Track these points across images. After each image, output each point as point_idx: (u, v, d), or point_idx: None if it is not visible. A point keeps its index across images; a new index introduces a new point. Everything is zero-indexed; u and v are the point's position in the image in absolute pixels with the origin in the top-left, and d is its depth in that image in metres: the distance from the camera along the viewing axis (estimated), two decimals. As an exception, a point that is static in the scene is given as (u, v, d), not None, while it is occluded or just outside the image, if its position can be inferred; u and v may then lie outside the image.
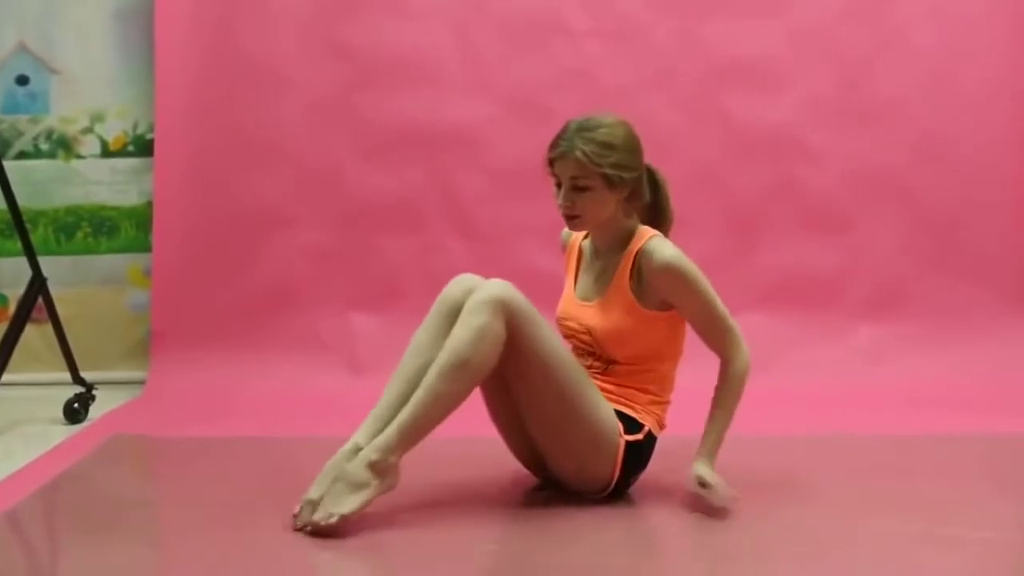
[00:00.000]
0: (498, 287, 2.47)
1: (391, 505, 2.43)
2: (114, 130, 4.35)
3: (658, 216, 2.71)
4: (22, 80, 4.33)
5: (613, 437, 2.54)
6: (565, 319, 2.70)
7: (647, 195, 2.67)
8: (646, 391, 2.63)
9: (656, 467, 2.84)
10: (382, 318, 4.13)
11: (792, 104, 4.19)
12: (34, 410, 3.75)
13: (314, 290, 4.18)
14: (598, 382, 2.60)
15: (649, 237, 2.61)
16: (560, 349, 2.53)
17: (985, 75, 4.19)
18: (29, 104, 4.34)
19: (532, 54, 4.19)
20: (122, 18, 4.30)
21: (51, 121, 4.34)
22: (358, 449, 2.42)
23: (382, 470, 2.39)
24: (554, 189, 2.61)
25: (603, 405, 2.55)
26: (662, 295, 2.59)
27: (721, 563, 2.31)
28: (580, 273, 2.74)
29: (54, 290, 3.78)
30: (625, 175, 2.57)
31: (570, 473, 2.60)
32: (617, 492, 2.61)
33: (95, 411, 3.70)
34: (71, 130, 4.34)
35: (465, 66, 4.19)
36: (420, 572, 2.23)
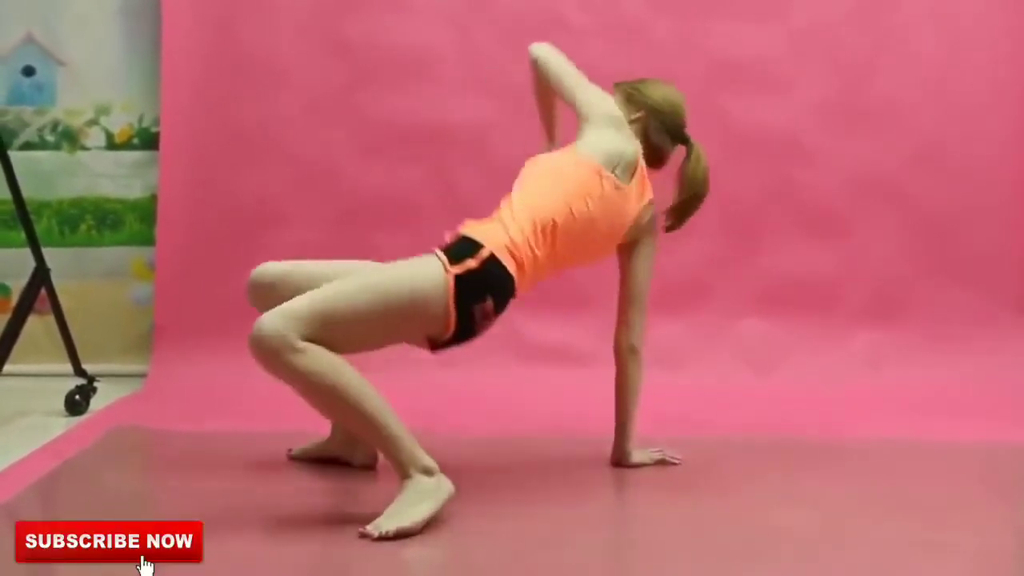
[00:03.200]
0: (266, 327, 2.37)
1: (387, 502, 2.44)
2: (119, 123, 4.36)
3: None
4: (28, 71, 4.34)
5: (436, 283, 2.49)
6: (546, 157, 2.87)
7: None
8: (534, 245, 2.64)
9: (651, 468, 2.86)
10: (383, 314, 4.13)
11: (792, 107, 4.19)
12: (35, 401, 3.77)
13: (316, 286, 4.19)
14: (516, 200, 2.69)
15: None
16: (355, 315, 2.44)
17: (985, 80, 4.19)
18: (35, 95, 4.35)
19: (531, 51, 4.19)
20: (128, 12, 4.32)
21: (57, 113, 4.35)
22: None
23: (431, 472, 2.42)
24: None
25: (412, 273, 2.51)
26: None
27: (714, 564, 2.32)
28: None
29: (57, 282, 3.79)
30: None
31: (412, 339, 2.58)
32: (467, 331, 2.57)
33: (96, 403, 3.72)
34: (76, 122, 4.35)
35: (465, 64, 4.20)
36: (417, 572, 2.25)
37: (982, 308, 4.17)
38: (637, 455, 2.95)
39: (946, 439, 3.37)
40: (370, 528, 2.33)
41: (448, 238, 2.66)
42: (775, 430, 3.46)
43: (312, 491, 2.79)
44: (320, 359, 2.36)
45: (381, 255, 4.21)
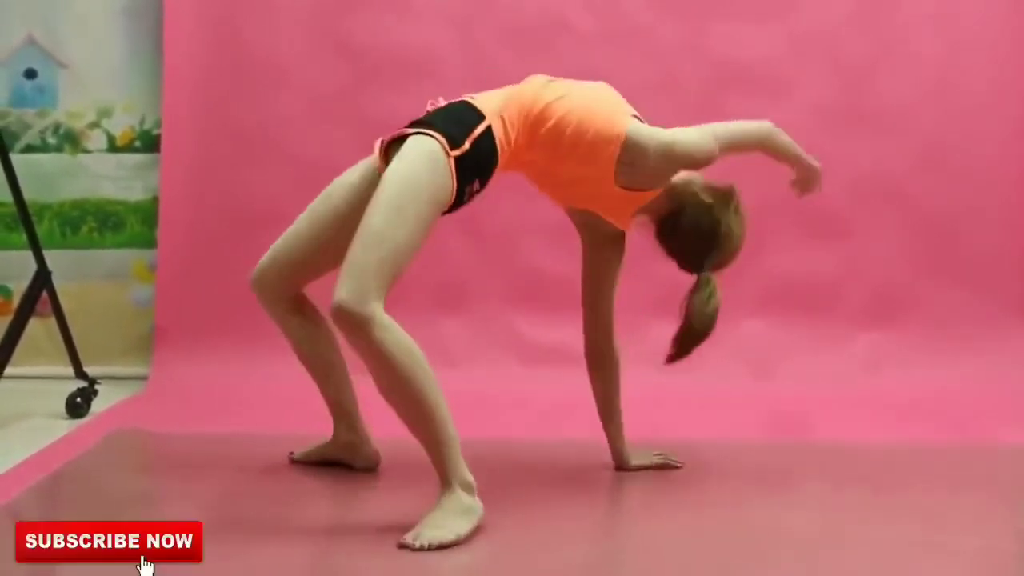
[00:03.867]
0: (345, 298, 2.37)
1: (389, 505, 2.44)
2: (121, 125, 4.36)
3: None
4: (30, 74, 4.35)
5: (441, 158, 2.50)
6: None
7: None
8: (522, 122, 2.65)
9: (650, 471, 2.85)
10: (384, 317, 4.13)
11: (794, 109, 4.19)
12: (36, 404, 3.76)
13: (317, 287, 4.18)
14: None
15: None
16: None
17: (986, 81, 4.19)
18: (37, 98, 4.36)
19: (535, 54, 4.18)
20: (130, 13, 4.32)
21: (58, 115, 4.36)
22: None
23: (471, 489, 2.42)
24: None
25: (421, 167, 2.50)
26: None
27: (713, 566, 2.32)
28: None
29: (58, 284, 3.79)
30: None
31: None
32: (458, 205, 2.59)
33: (97, 406, 3.72)
34: (78, 124, 4.36)
35: (468, 65, 4.20)
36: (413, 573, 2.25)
37: (983, 310, 4.16)
38: (636, 458, 2.93)
39: (947, 441, 3.37)
40: (409, 538, 2.31)
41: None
42: (774, 432, 3.46)
43: (313, 493, 2.79)
44: (402, 341, 2.37)
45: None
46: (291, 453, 3.04)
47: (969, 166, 4.19)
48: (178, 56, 4.21)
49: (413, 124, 2.62)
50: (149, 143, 4.34)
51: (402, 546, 2.30)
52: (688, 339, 2.67)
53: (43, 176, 4.33)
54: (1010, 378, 4.02)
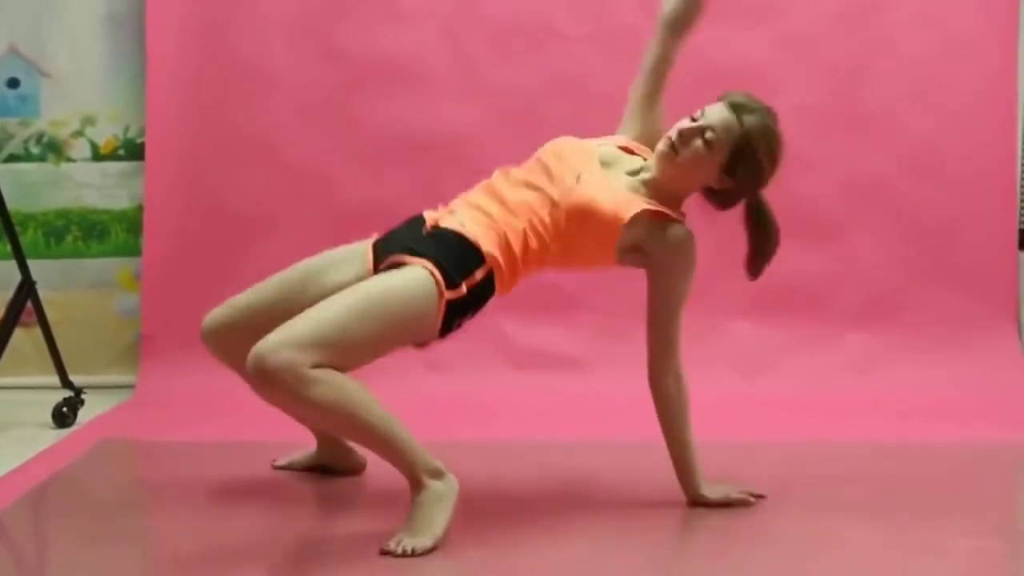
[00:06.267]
0: (267, 359, 2.26)
1: (376, 511, 2.43)
2: (105, 134, 4.34)
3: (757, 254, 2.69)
4: (13, 83, 4.32)
5: (431, 305, 2.42)
6: (563, 145, 2.64)
7: (727, 206, 2.66)
8: (525, 248, 2.54)
9: (643, 472, 2.85)
10: (371, 324, 4.12)
11: (782, 112, 4.14)
12: (22, 414, 3.75)
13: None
14: (501, 211, 2.55)
15: (681, 221, 2.61)
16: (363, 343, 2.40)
17: (975, 85, 4.20)
18: (19, 107, 4.34)
19: (523, 59, 4.19)
20: (113, 22, 4.30)
21: (41, 124, 4.33)
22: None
23: (439, 473, 2.39)
24: (687, 118, 2.57)
25: (414, 304, 2.42)
26: (650, 262, 2.57)
27: (702, 568, 2.32)
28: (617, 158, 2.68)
29: (43, 293, 3.77)
30: (742, 176, 2.56)
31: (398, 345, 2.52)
32: (444, 335, 2.51)
33: (84, 415, 3.70)
34: (62, 133, 4.34)
35: (456, 70, 4.20)
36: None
37: (971, 310, 4.17)
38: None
39: (935, 442, 3.37)
40: (392, 545, 2.31)
41: (439, 218, 2.58)
42: (764, 434, 3.46)
43: (301, 501, 2.78)
44: (334, 386, 2.29)
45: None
46: (273, 461, 3.02)
47: (957, 168, 4.20)
48: (162, 63, 4.19)
49: (410, 246, 2.53)
50: (133, 151, 4.32)
51: (384, 552, 2.30)
52: (767, 251, 2.71)
53: (27, 185, 4.31)
54: (998, 379, 4.03)
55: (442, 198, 4.16)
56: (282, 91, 4.19)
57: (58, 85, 4.32)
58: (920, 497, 2.80)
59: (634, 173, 2.67)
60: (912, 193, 4.20)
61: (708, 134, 2.53)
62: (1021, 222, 4.29)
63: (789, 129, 4.08)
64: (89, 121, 4.34)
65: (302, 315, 2.36)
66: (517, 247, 2.55)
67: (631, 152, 2.73)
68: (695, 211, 2.73)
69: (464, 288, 2.47)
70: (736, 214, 2.74)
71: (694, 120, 2.55)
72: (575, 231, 2.55)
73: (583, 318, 4.11)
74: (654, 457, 2.78)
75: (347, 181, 4.19)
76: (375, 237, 2.72)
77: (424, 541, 2.32)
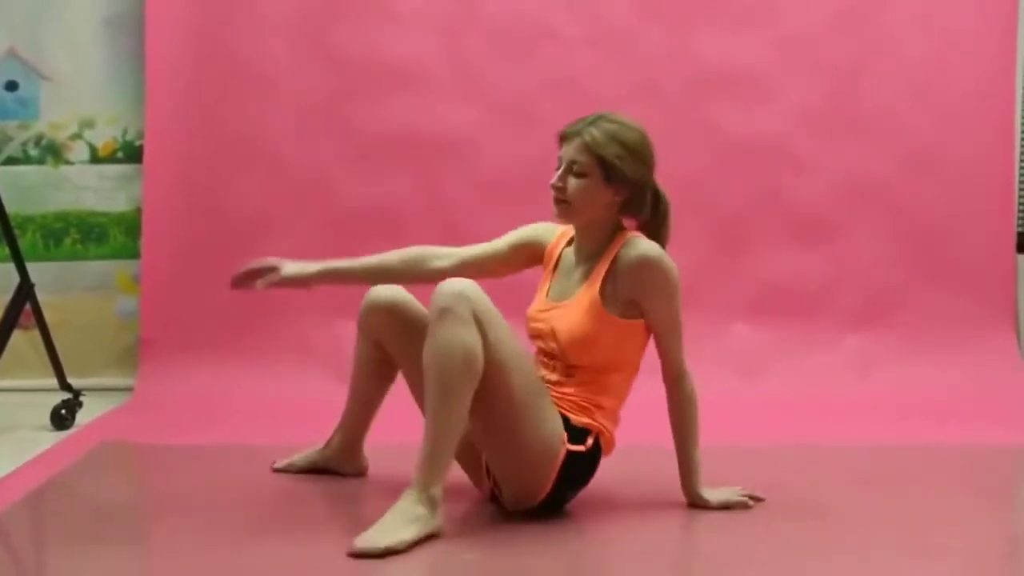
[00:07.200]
0: (457, 287, 2.40)
1: (382, 510, 2.43)
2: (103, 136, 4.34)
3: (654, 238, 2.64)
4: (11, 86, 4.33)
5: (556, 445, 2.49)
6: (533, 320, 2.67)
7: (646, 210, 2.62)
8: (599, 404, 2.58)
9: (640, 472, 2.84)
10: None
11: (780, 114, 4.20)
12: (21, 416, 3.74)
13: (302, 298, 4.15)
14: (556, 391, 2.56)
15: (632, 235, 2.60)
16: (518, 353, 2.48)
17: (973, 86, 4.21)
18: (18, 110, 4.34)
19: (520, 62, 4.19)
20: (112, 25, 4.30)
21: (40, 127, 4.34)
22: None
23: (433, 503, 2.38)
24: (554, 173, 2.59)
25: (551, 413, 2.51)
26: (634, 293, 2.55)
27: (701, 569, 2.31)
28: (557, 275, 2.71)
29: (42, 296, 3.77)
30: (627, 174, 2.55)
31: (506, 476, 2.54)
32: (553, 504, 2.56)
33: (82, 417, 3.70)
34: (60, 136, 4.34)
35: (453, 73, 4.20)
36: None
37: (970, 313, 4.18)
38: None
39: (934, 443, 3.37)
40: (359, 542, 2.31)
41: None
42: (762, 436, 3.46)
43: (301, 504, 2.77)
44: (470, 341, 2.36)
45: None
46: (273, 463, 3.02)
47: (956, 169, 4.21)
48: (161, 66, 4.20)
49: None
50: (131, 154, 4.32)
51: (352, 554, 2.29)
52: (663, 236, 2.66)
53: (25, 188, 4.31)
54: (996, 380, 4.04)
55: (439, 200, 4.20)
56: (281, 93, 4.19)
57: (57, 88, 4.32)
58: (918, 498, 2.80)
59: (569, 244, 2.70)
60: (911, 194, 4.21)
61: (575, 167, 2.56)
62: (1019, 224, 4.29)
63: (789, 129, 4.11)
64: (88, 124, 4.34)
65: None
66: (605, 406, 2.59)
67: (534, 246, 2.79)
68: (680, 228, 2.71)
69: (584, 446, 2.53)
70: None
71: (557, 169, 2.59)
72: (596, 357, 2.57)
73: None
74: (653, 460, 2.79)
75: (345, 182, 4.20)
76: None
77: (390, 540, 2.30)
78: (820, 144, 4.17)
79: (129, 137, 4.33)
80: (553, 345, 2.59)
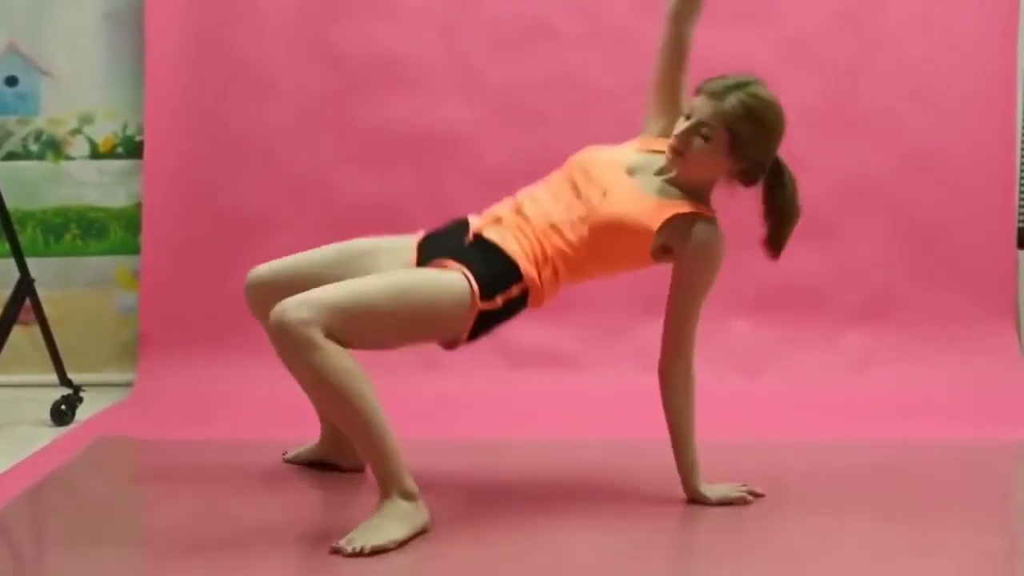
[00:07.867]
0: (291, 314, 2.32)
1: (368, 513, 2.43)
2: (103, 132, 4.34)
3: (783, 217, 2.67)
4: (11, 81, 4.32)
5: (462, 311, 2.47)
6: (594, 160, 2.63)
7: (756, 183, 2.64)
8: (556, 270, 2.57)
9: (642, 470, 2.85)
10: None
11: (781, 112, 4.19)
12: (21, 411, 3.75)
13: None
14: (533, 229, 2.55)
15: (710, 217, 2.62)
16: (374, 301, 2.41)
17: (974, 85, 4.21)
18: (18, 105, 4.34)
19: (520, 58, 4.19)
20: (112, 20, 4.30)
21: (40, 122, 4.33)
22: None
23: (411, 496, 2.39)
24: (680, 119, 2.58)
25: (444, 285, 2.46)
26: (677, 258, 2.58)
27: (701, 566, 2.32)
28: (641, 155, 2.68)
29: (42, 291, 3.77)
30: (752, 152, 2.56)
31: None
32: (474, 339, 2.56)
33: (82, 413, 3.70)
34: (60, 131, 4.34)
35: (453, 70, 4.20)
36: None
37: (969, 311, 4.18)
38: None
39: (933, 440, 3.37)
40: (343, 543, 2.30)
41: (483, 226, 2.59)
42: (762, 433, 3.47)
43: (299, 501, 2.77)
44: (336, 357, 2.32)
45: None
46: (284, 453, 3.04)
47: (956, 167, 4.21)
48: (160, 62, 4.19)
49: (454, 252, 2.56)
50: (132, 149, 4.32)
51: (335, 551, 2.29)
52: (786, 228, 2.69)
53: (25, 183, 4.31)
54: (997, 378, 4.04)
55: (439, 197, 4.19)
56: (281, 90, 4.19)
57: (57, 83, 4.32)
58: (918, 496, 2.80)
59: (662, 172, 2.67)
60: (911, 192, 4.21)
61: (704, 130, 2.54)
62: (1020, 221, 4.30)
63: (788, 129, 4.09)
64: (88, 119, 4.34)
65: (334, 284, 2.41)
66: (553, 265, 2.58)
67: (659, 150, 2.73)
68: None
69: (499, 301, 2.51)
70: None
71: (688, 118, 2.56)
72: (606, 245, 2.57)
73: (580, 317, 4.11)
74: (653, 455, 2.79)
75: (345, 180, 4.19)
76: (422, 234, 2.74)
77: (376, 540, 2.30)
78: (820, 144, 4.17)
79: (129, 132, 4.33)
80: (590, 194, 2.58)
